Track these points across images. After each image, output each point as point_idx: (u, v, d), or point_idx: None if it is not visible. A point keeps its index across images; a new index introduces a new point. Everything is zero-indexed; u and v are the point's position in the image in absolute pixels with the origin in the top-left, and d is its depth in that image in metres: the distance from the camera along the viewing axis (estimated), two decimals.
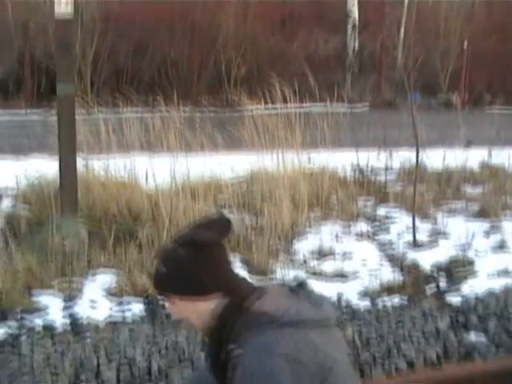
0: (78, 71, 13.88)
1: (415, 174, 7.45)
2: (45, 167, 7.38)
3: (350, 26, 18.78)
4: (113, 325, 4.59)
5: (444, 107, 18.25)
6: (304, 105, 9.30)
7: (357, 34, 18.87)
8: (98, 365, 3.93)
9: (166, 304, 2.17)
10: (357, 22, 18.79)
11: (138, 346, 4.19)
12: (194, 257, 2.04)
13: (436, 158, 9.26)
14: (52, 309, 4.84)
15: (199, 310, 2.07)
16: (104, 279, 5.37)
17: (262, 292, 2.05)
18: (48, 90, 14.72)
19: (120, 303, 5.00)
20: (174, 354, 4.12)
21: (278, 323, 1.90)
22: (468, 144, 9.75)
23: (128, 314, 4.82)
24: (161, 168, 7.20)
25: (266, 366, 1.82)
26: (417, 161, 7.38)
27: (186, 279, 2.04)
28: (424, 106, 17.04)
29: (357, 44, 18.96)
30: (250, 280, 2.23)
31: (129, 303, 5.01)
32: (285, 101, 8.90)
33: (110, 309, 4.90)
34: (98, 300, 5.02)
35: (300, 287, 2.10)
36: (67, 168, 5.56)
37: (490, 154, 9.85)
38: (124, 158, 7.16)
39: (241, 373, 1.87)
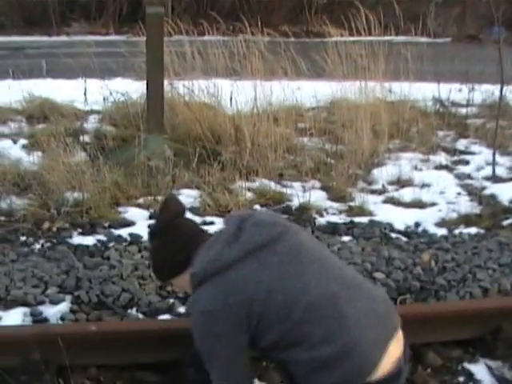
0: None
1: (498, 107, 7.33)
2: (129, 88, 7.58)
3: None
4: None
5: None
6: (387, 35, 9.13)
7: None
8: None
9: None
10: None
11: None
12: (160, 244, 2.36)
13: None
14: (139, 223, 5.05)
15: (184, 283, 2.34)
16: (188, 197, 5.55)
17: (198, 251, 2.27)
18: (129, 15, 14.90)
19: (204, 220, 5.17)
20: None
21: (198, 281, 2.17)
22: None
23: (212, 230, 4.98)
24: (243, 92, 7.28)
25: (192, 325, 2.17)
26: (501, 94, 7.24)
27: (163, 265, 2.37)
28: (509, 41, 16.55)
29: None
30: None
31: (212, 221, 5.18)
32: (368, 30, 8.78)
33: None
34: None
35: (225, 224, 2.42)
36: (154, 88, 5.71)
37: None
38: (208, 81, 7.26)
39: None
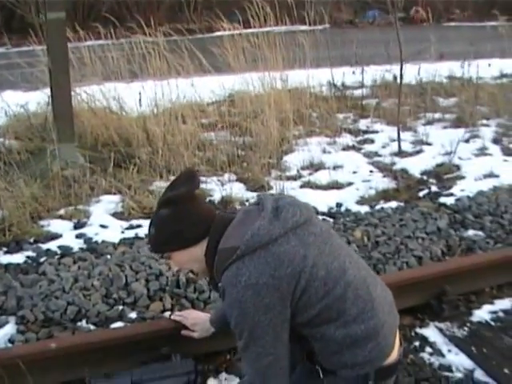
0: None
1: (399, 87, 7.60)
2: (22, 99, 7.32)
3: None
4: (130, 243, 4.66)
5: (404, 23, 18.25)
6: (267, 26, 9.17)
7: None
8: (127, 280, 4.01)
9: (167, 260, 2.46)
10: None
11: (162, 260, 4.28)
12: (174, 214, 2.23)
13: (408, 72, 9.32)
14: (65, 234, 4.89)
15: (194, 257, 2.28)
16: (109, 203, 5.43)
17: (227, 225, 2.24)
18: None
19: (130, 225, 5.07)
20: None
21: (239, 254, 2.08)
22: (441, 57, 9.93)
23: (141, 233, 4.90)
24: (144, 93, 7.19)
25: (234, 298, 2.05)
26: (401, 74, 7.47)
27: (172, 235, 2.23)
28: (386, 22, 17.17)
29: None
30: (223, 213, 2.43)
31: (139, 224, 5.09)
32: (247, 24, 8.78)
33: (122, 231, 4.96)
34: (108, 224, 5.08)
35: (260, 203, 2.29)
36: (61, 95, 5.53)
37: (462, 66, 9.96)
38: (109, 85, 7.11)
39: (224, 305, 2.17)
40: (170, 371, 2.92)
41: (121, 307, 3.79)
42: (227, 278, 2.09)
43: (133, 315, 3.73)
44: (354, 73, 9.24)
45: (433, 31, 10.37)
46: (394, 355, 2.26)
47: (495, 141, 7.55)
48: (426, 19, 16.93)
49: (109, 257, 4.40)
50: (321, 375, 2.21)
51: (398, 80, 7.62)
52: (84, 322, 3.66)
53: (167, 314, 3.70)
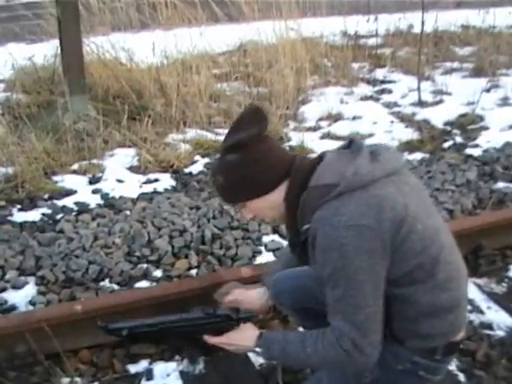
0: None
1: (420, 35, 7.26)
2: (27, 52, 7.07)
3: None
4: (149, 198, 4.48)
5: None
6: None
7: None
8: (149, 237, 3.84)
9: (237, 211, 2.16)
10: None
11: (184, 216, 4.11)
12: (245, 158, 1.97)
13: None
14: (80, 190, 4.70)
15: (271, 203, 2.04)
16: (124, 157, 5.23)
17: (316, 163, 1.99)
18: None
19: (148, 179, 4.89)
20: (222, 221, 4.06)
21: (336, 192, 1.84)
22: (458, 5, 9.62)
23: (160, 188, 4.72)
24: (151, 44, 6.93)
25: (333, 240, 1.81)
26: (422, 22, 7.16)
27: (246, 182, 1.99)
28: None
29: None
30: (302, 155, 2.17)
31: (156, 178, 4.90)
32: None
33: (140, 186, 4.77)
34: (124, 178, 4.90)
35: (353, 145, 2.03)
36: (72, 45, 5.27)
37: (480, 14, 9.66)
38: (118, 35, 6.85)
39: (316, 249, 1.87)
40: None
41: (145, 265, 3.63)
42: (323, 217, 1.84)
43: (158, 274, 3.57)
44: (368, 21, 8.90)
45: None
46: (463, 331, 2.09)
47: None
48: None
49: (128, 213, 4.23)
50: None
51: (419, 27, 7.30)
52: (107, 281, 3.50)
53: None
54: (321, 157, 2.02)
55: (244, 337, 2.11)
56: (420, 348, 2.00)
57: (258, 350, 2.05)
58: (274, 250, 3.84)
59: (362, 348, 1.84)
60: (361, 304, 1.83)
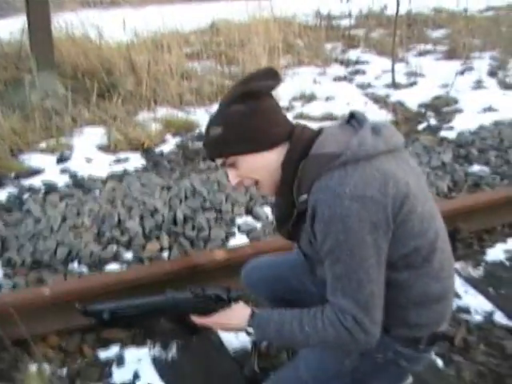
0: None
1: (395, 16, 7.19)
2: None
3: None
4: (119, 178, 4.36)
5: None
6: None
7: None
8: (119, 218, 3.73)
9: (227, 169, 1.94)
10: None
11: (156, 196, 4.00)
12: (252, 109, 1.82)
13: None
14: (48, 169, 4.57)
15: (267, 163, 1.87)
16: (93, 135, 5.10)
17: (318, 133, 1.87)
18: None
19: (118, 158, 4.76)
20: (194, 202, 3.96)
21: (340, 161, 1.72)
22: None
23: (130, 167, 4.60)
24: (118, 22, 6.80)
25: (337, 211, 1.68)
26: (397, 3, 7.08)
27: (248, 133, 1.83)
28: None
29: None
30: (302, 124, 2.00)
31: (127, 157, 4.78)
32: None
33: (110, 165, 4.65)
34: (93, 157, 4.77)
35: (354, 118, 1.90)
36: (39, 20, 5.11)
37: None
38: (86, 12, 6.69)
39: (317, 221, 1.74)
40: None
41: (115, 247, 3.51)
42: (326, 187, 1.70)
43: (128, 256, 3.47)
44: (341, 1, 8.84)
45: None
46: (447, 322, 2.01)
47: (491, 74, 7.30)
48: None
49: (98, 193, 4.11)
50: None
51: (393, 9, 7.25)
52: (76, 263, 3.38)
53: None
54: (321, 129, 1.91)
55: (235, 316, 1.98)
56: (405, 337, 1.92)
57: (249, 329, 1.94)
58: (247, 232, 3.76)
59: (365, 326, 1.74)
60: (363, 280, 1.72)
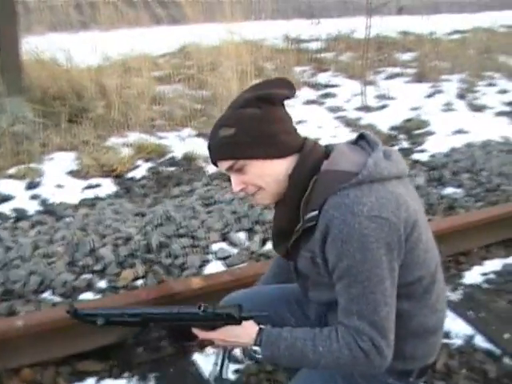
0: None
1: (366, 40, 7.24)
2: None
3: None
4: (91, 204, 4.28)
5: None
6: None
7: None
8: (93, 245, 3.65)
9: (232, 174, 1.81)
10: None
11: (129, 223, 3.93)
12: (267, 114, 1.76)
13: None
14: (18, 196, 4.47)
15: (275, 172, 1.80)
16: (64, 161, 5.01)
17: (328, 149, 1.81)
18: None
19: (89, 184, 4.69)
20: (169, 228, 3.90)
21: (356, 180, 1.68)
22: (399, 10, 9.70)
23: (102, 193, 4.52)
24: (87, 45, 6.75)
25: (355, 230, 1.63)
26: (369, 26, 7.14)
27: (261, 139, 1.76)
28: None
29: None
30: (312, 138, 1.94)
31: (98, 183, 4.71)
32: None
33: (81, 191, 4.57)
34: (64, 183, 4.69)
35: (364, 140, 1.86)
36: (8, 45, 5.04)
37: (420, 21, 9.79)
38: (57, 36, 6.63)
39: (331, 240, 1.68)
40: None
41: (89, 276, 3.43)
42: (343, 205, 1.65)
43: (103, 284, 3.38)
44: (312, 23, 8.89)
45: None
46: (436, 354, 1.97)
47: (460, 96, 7.37)
48: None
49: (70, 220, 4.02)
50: None
51: (361, 32, 7.29)
52: (49, 293, 3.29)
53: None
54: (332, 146, 1.84)
55: (242, 333, 1.84)
56: (398, 370, 1.86)
57: (255, 348, 1.81)
58: (223, 259, 3.71)
59: (381, 349, 1.69)
60: (380, 302, 1.68)
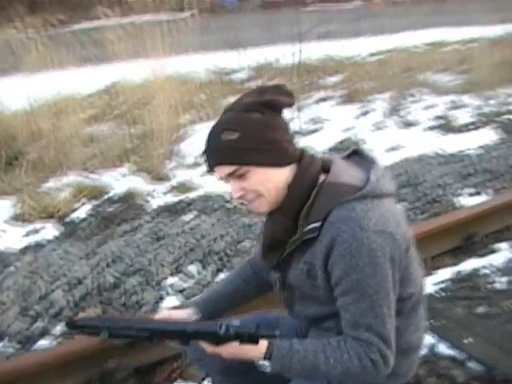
0: None
1: (294, 66, 7.34)
2: None
3: None
4: (36, 249, 4.17)
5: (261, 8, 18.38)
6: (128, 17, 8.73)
7: None
8: (45, 290, 3.54)
9: (232, 180, 1.74)
10: None
11: (78, 264, 3.84)
12: (271, 121, 1.73)
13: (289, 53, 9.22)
14: None
15: (274, 181, 1.76)
16: (3, 207, 4.88)
17: (327, 163, 1.81)
18: None
19: (34, 228, 4.57)
20: (120, 266, 3.82)
21: (361, 194, 1.68)
22: (319, 37, 9.85)
23: (45, 237, 4.41)
24: (14, 88, 6.63)
25: (364, 244, 1.64)
26: (300, 56, 7.24)
27: (265, 146, 1.72)
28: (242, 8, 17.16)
29: None
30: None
31: (42, 227, 4.59)
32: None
33: (24, 236, 4.45)
34: (4, 229, 4.55)
35: (358, 155, 1.87)
36: None
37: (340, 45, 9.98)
38: None
39: (338, 252, 1.67)
40: None
41: (43, 322, 3.31)
42: (349, 218, 1.64)
43: (58, 330, 3.27)
44: (239, 54, 8.94)
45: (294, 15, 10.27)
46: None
47: (389, 114, 7.54)
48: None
49: (15, 267, 3.89)
50: None
51: (286, 59, 7.39)
52: (1, 344, 3.16)
53: None
54: (330, 159, 1.84)
55: (252, 348, 1.75)
56: None
57: (264, 362, 1.74)
58: (179, 292, 3.65)
59: (388, 359, 1.70)
60: (386, 314, 1.68)
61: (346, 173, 1.76)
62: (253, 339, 1.70)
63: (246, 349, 1.74)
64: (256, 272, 2.14)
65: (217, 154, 1.74)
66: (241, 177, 1.74)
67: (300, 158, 1.78)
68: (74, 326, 1.77)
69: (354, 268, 1.65)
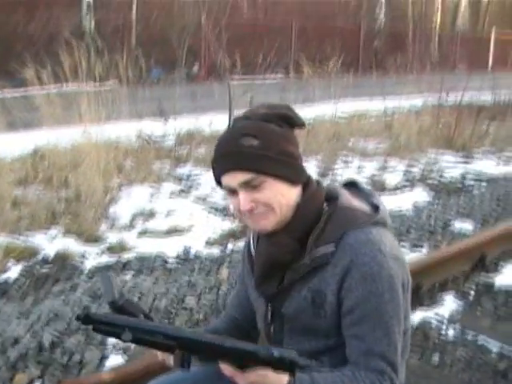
0: None
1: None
2: None
3: (84, 6, 18.31)
4: None
5: (186, 79, 18.52)
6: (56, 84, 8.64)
7: (92, 13, 18.46)
8: None
9: (242, 190, 1.63)
10: (91, 2, 18.41)
11: (14, 325, 3.65)
12: (288, 135, 1.68)
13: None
14: None
15: (285, 198, 1.67)
16: None
17: (333, 190, 1.77)
18: None
19: None
20: (59, 325, 3.65)
21: (375, 220, 1.67)
22: (249, 104, 9.99)
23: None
24: None
25: (384, 269, 1.61)
26: (229, 124, 7.27)
27: (287, 158, 1.65)
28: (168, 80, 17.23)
29: (93, 24, 18.44)
30: None
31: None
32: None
33: None
34: None
35: (354, 187, 1.84)
36: None
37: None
38: None
39: (359, 276, 1.61)
40: None
41: None
42: (368, 241, 1.60)
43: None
44: (165, 122, 8.94)
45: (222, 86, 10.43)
46: None
47: (322, 176, 7.77)
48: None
49: None
50: None
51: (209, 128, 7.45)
52: None
53: None
54: (333, 186, 1.83)
55: (273, 377, 1.53)
56: None
57: None
58: (123, 350, 3.51)
59: None
60: (397, 341, 1.63)
61: (354, 199, 1.75)
62: (292, 367, 1.51)
63: (268, 379, 1.53)
64: (237, 326, 1.98)
65: (235, 158, 1.63)
66: (255, 188, 1.64)
67: (308, 179, 1.74)
68: (87, 321, 1.50)
69: (374, 293, 1.60)
